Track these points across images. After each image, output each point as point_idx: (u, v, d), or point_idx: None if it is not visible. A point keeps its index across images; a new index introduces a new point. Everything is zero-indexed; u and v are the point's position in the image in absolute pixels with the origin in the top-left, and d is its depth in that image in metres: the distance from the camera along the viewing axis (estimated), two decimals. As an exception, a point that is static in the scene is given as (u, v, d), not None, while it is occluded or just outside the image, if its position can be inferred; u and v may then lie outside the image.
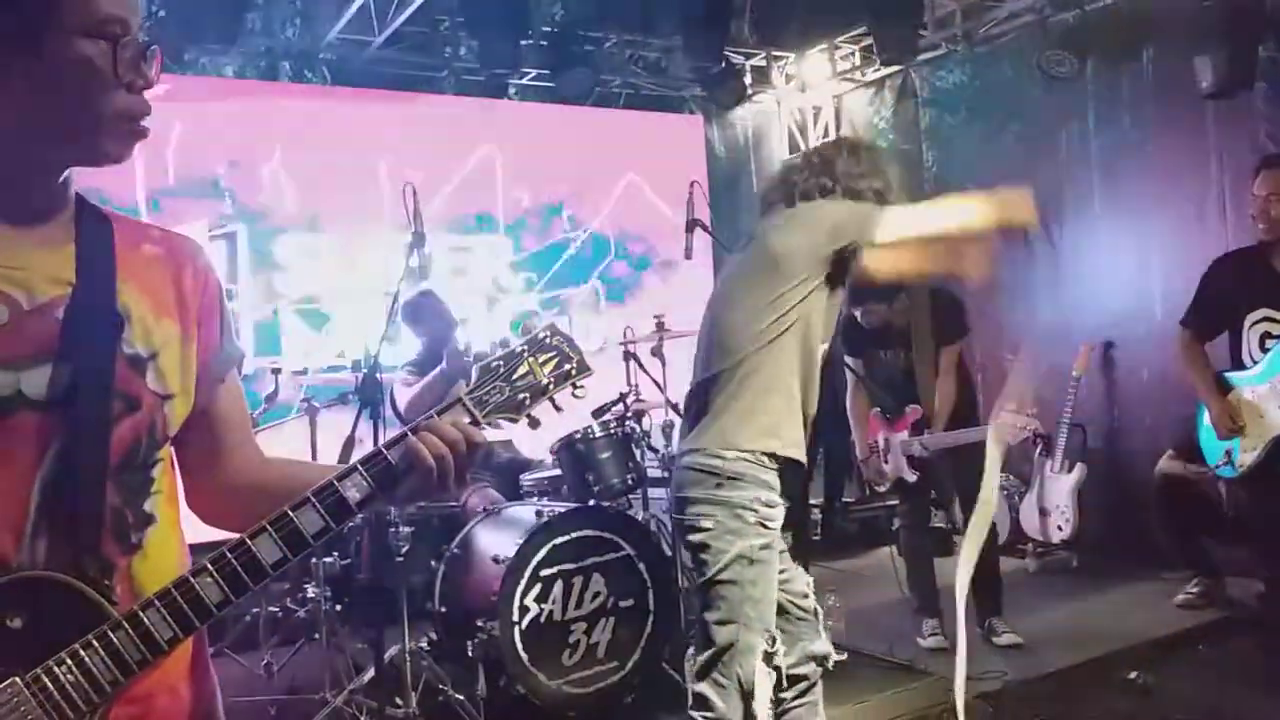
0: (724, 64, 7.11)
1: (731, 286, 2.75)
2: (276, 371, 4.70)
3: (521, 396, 1.38)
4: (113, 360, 1.22)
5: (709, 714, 2.49)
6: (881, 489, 4.84)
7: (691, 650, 3.61)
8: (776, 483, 2.56)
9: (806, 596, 2.75)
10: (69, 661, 1.13)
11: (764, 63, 7.69)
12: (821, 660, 2.72)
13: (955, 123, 6.97)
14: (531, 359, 1.40)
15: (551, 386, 1.40)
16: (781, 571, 2.62)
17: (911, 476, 4.56)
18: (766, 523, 2.49)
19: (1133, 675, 4.06)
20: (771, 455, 2.54)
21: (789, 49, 7.66)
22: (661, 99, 7.72)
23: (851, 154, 2.78)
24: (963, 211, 2.52)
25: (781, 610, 2.62)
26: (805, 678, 2.68)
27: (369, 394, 3.75)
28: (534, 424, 1.42)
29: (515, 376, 1.39)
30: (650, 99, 7.64)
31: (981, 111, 6.75)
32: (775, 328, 2.57)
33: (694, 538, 2.54)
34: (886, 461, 4.64)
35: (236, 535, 1.25)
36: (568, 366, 1.41)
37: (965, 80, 6.90)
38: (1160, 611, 4.88)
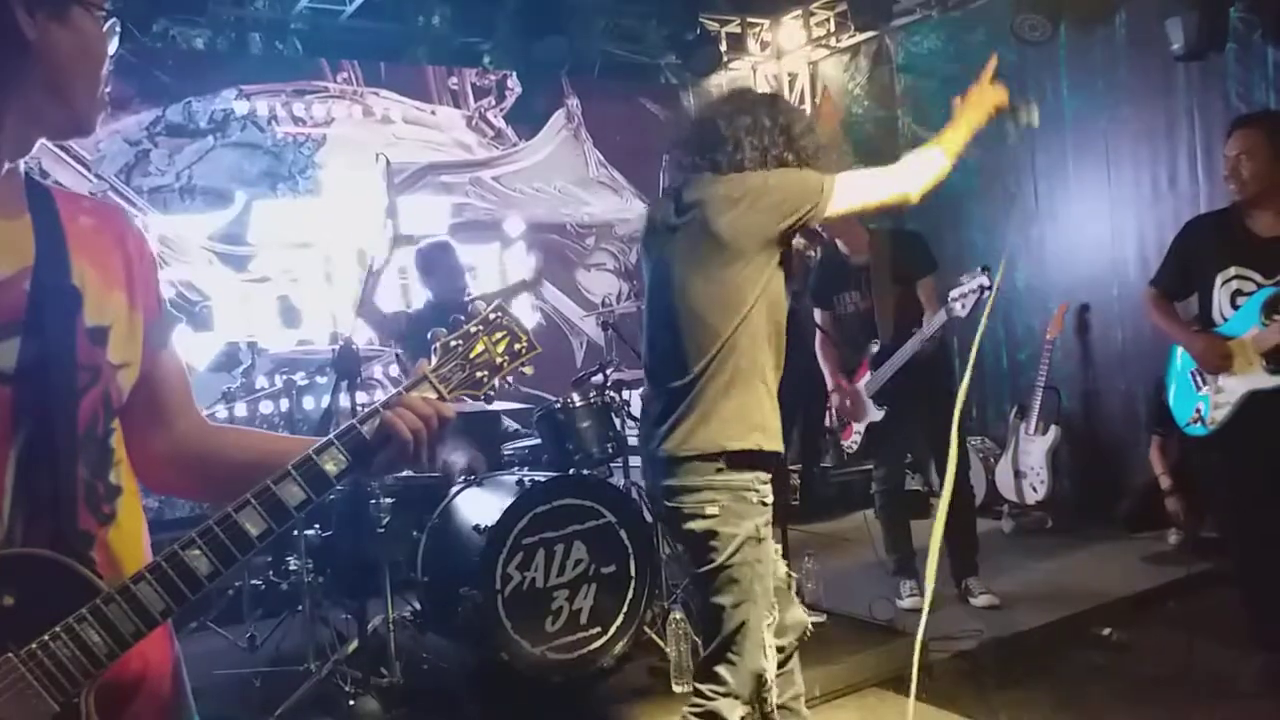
0: (699, 31, 7.07)
1: (684, 275, 2.53)
2: (252, 346, 4.68)
3: (480, 374, 1.46)
4: (75, 333, 1.23)
5: (720, 688, 2.44)
6: (851, 447, 4.84)
7: (676, 615, 3.67)
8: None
9: (779, 558, 2.70)
10: (64, 636, 1.15)
11: (739, 29, 7.65)
12: (799, 629, 2.68)
13: (930, 88, 6.97)
14: (486, 338, 1.46)
15: (505, 364, 1.47)
16: None
17: (879, 414, 4.58)
18: (765, 500, 2.46)
19: (1106, 632, 4.15)
20: (759, 451, 2.48)
21: (764, 15, 7.62)
22: (637, 66, 7.68)
23: (797, 115, 2.60)
24: (916, 168, 2.47)
25: None
26: (782, 649, 2.63)
27: (345, 367, 3.74)
28: (489, 400, 1.49)
29: (473, 355, 1.45)
30: (625, 66, 7.59)
31: (956, 76, 6.75)
32: (744, 315, 2.45)
33: (698, 525, 2.43)
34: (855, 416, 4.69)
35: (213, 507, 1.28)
36: (518, 345, 1.48)
37: (940, 45, 6.90)
38: (1133, 570, 4.98)
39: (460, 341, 1.45)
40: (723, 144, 2.52)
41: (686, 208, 2.54)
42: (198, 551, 1.23)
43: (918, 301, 4.51)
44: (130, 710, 1.27)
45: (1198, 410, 3.63)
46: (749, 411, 2.46)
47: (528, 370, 1.50)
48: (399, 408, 1.36)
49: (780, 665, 2.63)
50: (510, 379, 1.51)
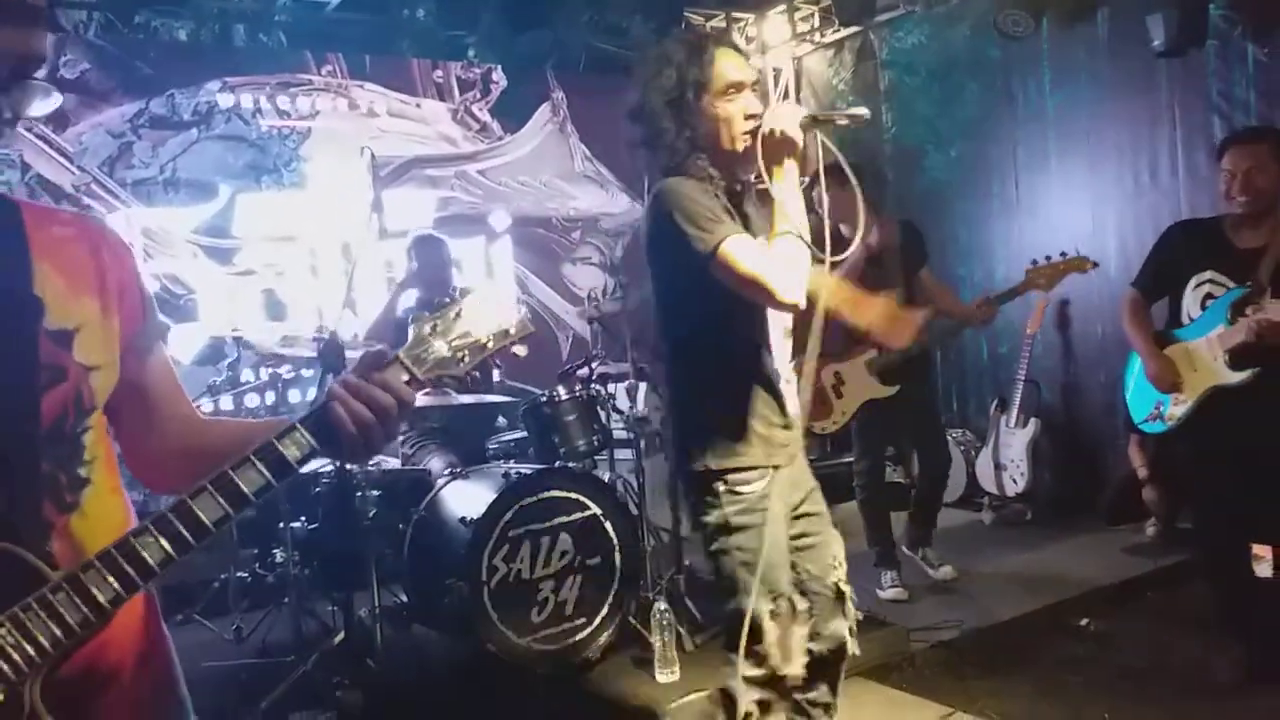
0: (684, 26, 7.09)
1: (653, 282, 2.55)
2: (238, 339, 4.68)
3: (460, 354, 1.37)
4: (36, 335, 1.24)
5: (754, 674, 2.41)
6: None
7: (660, 606, 3.72)
8: (748, 451, 2.46)
9: (837, 568, 2.60)
10: (7, 624, 1.14)
11: (723, 24, 7.67)
12: (833, 642, 2.56)
13: (914, 83, 7.00)
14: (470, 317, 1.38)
15: (490, 344, 1.39)
16: (804, 537, 2.54)
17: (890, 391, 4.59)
18: (737, 488, 2.44)
19: (1084, 622, 4.20)
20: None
21: (748, 10, 7.64)
22: (622, 60, 7.67)
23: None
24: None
25: (797, 584, 2.50)
26: (814, 656, 2.52)
27: (331, 360, 3.75)
28: (472, 382, 1.44)
29: (453, 335, 1.37)
30: (610, 60, 7.59)
31: (940, 72, 6.80)
32: (694, 329, 2.49)
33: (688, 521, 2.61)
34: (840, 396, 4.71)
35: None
36: (507, 326, 1.40)
37: (923, 41, 6.93)
38: (1111, 561, 5.03)
39: (439, 322, 1.37)
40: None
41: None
42: (150, 538, 1.21)
43: (916, 297, 4.52)
44: (102, 704, 1.29)
45: (1157, 407, 3.70)
46: (704, 432, 2.48)
47: (520, 351, 1.43)
48: (348, 396, 1.30)
49: (812, 678, 2.53)
50: (500, 368, 1.47)
